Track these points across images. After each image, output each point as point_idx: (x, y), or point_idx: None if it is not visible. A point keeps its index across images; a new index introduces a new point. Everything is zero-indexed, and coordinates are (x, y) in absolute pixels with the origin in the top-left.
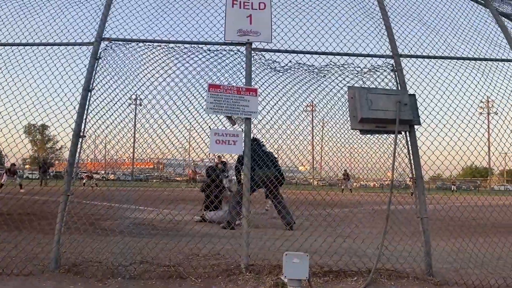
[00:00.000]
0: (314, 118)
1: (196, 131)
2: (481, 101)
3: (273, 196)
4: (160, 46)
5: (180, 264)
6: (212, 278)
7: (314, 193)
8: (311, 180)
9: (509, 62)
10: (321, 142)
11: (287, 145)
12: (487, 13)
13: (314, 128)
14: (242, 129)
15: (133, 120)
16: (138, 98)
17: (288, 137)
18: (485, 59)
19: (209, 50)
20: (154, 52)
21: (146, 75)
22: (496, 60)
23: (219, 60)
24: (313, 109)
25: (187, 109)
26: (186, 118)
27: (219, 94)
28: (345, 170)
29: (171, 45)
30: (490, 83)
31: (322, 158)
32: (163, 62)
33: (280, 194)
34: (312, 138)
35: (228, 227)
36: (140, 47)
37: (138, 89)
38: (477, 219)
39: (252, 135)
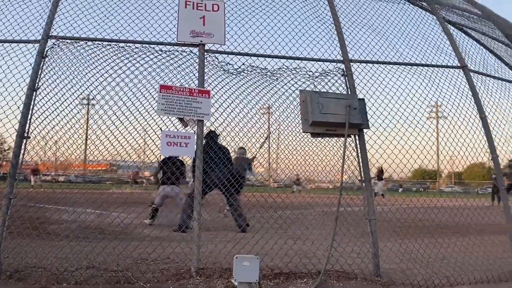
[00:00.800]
0: (268, 120)
1: (147, 133)
2: (427, 106)
3: (229, 195)
4: (110, 45)
5: (128, 268)
6: (162, 283)
7: (265, 195)
8: (268, 182)
9: (454, 69)
10: (277, 143)
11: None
12: (434, 20)
13: (269, 130)
14: (195, 131)
15: (81, 120)
16: (88, 98)
17: (241, 139)
18: (432, 65)
19: (161, 51)
20: (103, 52)
21: (94, 74)
22: (442, 66)
23: (171, 61)
24: (269, 111)
25: (138, 110)
26: (136, 120)
27: (170, 96)
28: (296, 174)
29: (122, 44)
30: (436, 89)
31: (280, 160)
32: (113, 61)
33: (235, 194)
34: (269, 140)
35: (179, 230)
36: (89, 46)
37: (86, 89)
38: (424, 220)
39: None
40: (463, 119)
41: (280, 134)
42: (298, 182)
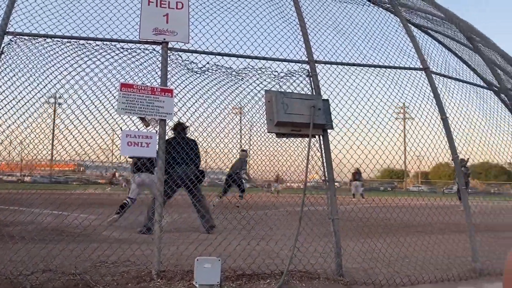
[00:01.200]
0: (231, 120)
1: (106, 132)
2: (395, 107)
3: (193, 195)
4: (69, 42)
5: (86, 271)
6: (121, 286)
7: (229, 196)
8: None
9: (416, 71)
10: (249, 144)
11: (203, 147)
12: (398, 22)
13: (232, 129)
14: (157, 131)
15: (38, 119)
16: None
17: (205, 139)
18: (395, 67)
19: (123, 48)
20: (63, 49)
21: (53, 72)
22: (405, 68)
23: (133, 59)
24: (241, 112)
25: (97, 109)
26: (96, 119)
27: (132, 94)
28: (276, 174)
29: (82, 42)
30: (399, 90)
31: (253, 161)
32: (73, 59)
33: (200, 193)
34: (240, 140)
35: (148, 232)
36: (48, 43)
37: (44, 87)
38: (389, 219)
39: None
40: (424, 120)
41: (252, 135)
42: (278, 181)
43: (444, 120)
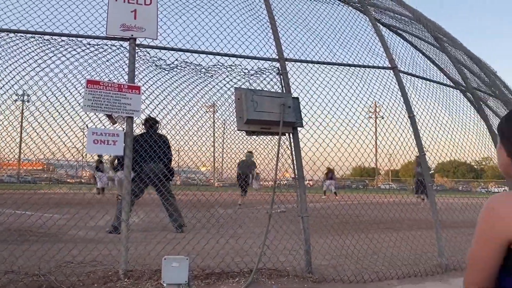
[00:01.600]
0: (201, 117)
1: (72, 130)
2: (359, 105)
3: (161, 194)
4: (34, 37)
5: (51, 272)
6: (87, 286)
7: (198, 194)
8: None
9: (385, 70)
10: (222, 142)
11: (173, 146)
12: (367, 21)
13: (203, 126)
14: (123, 128)
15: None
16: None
17: (173, 137)
18: (364, 66)
19: (89, 44)
20: (26, 44)
21: (16, 68)
22: (373, 67)
23: (100, 55)
24: (214, 107)
25: (62, 106)
26: (61, 117)
27: (98, 91)
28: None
29: (47, 37)
30: (368, 88)
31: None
32: (37, 55)
33: (169, 192)
34: (214, 138)
35: (115, 231)
36: (11, 38)
37: (7, 83)
38: (358, 216)
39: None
40: (393, 118)
41: (211, 135)
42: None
43: (412, 118)
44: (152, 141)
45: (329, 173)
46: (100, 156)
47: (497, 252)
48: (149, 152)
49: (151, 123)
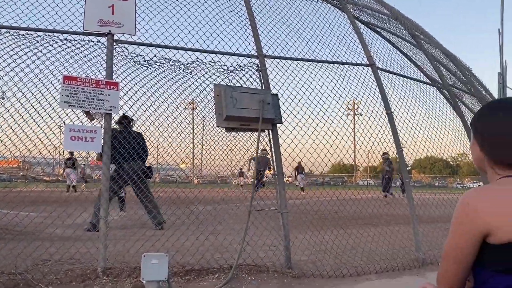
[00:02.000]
0: (180, 113)
1: (49, 126)
2: (337, 102)
3: (140, 191)
4: (8, 32)
5: (28, 271)
6: (65, 285)
7: (178, 191)
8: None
9: (363, 67)
10: (201, 139)
11: (152, 142)
12: (346, 19)
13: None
14: (102, 125)
15: None
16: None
17: (152, 134)
18: (342, 63)
19: (66, 40)
20: (1, 39)
21: None
22: (352, 64)
23: (77, 51)
24: (193, 104)
25: (39, 102)
26: (38, 113)
27: (75, 87)
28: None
29: (22, 32)
30: (346, 85)
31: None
32: (12, 50)
33: (148, 189)
34: (193, 135)
35: (93, 229)
36: None
37: None
38: (336, 212)
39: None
40: (370, 114)
41: (191, 132)
42: (241, 175)
43: (389, 114)
44: (130, 138)
45: (299, 168)
46: (71, 153)
47: (472, 245)
48: (128, 149)
49: (128, 120)
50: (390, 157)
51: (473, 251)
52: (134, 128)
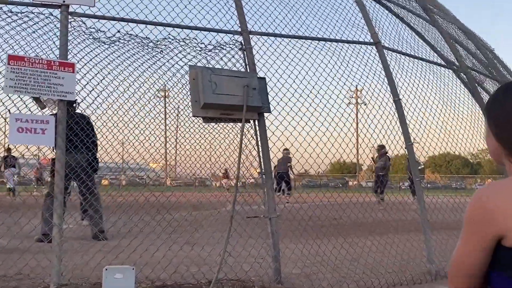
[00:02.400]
0: (149, 101)
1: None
2: (336, 87)
3: (87, 188)
4: None
5: None
6: None
7: (146, 195)
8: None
9: (366, 45)
10: (175, 136)
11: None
12: None
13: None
14: (54, 114)
15: None
16: None
17: (115, 124)
18: (341, 41)
19: (11, 12)
20: None
21: None
22: (353, 42)
23: (25, 26)
24: (166, 94)
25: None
26: None
27: (23, 69)
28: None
29: None
30: (346, 67)
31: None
32: None
33: (95, 187)
34: (165, 126)
35: (46, 239)
36: None
37: None
38: (335, 218)
39: None
40: (375, 102)
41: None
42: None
43: (397, 102)
44: (72, 122)
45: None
46: (8, 150)
47: (485, 247)
48: (69, 136)
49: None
50: (387, 152)
51: (487, 253)
52: (78, 111)
